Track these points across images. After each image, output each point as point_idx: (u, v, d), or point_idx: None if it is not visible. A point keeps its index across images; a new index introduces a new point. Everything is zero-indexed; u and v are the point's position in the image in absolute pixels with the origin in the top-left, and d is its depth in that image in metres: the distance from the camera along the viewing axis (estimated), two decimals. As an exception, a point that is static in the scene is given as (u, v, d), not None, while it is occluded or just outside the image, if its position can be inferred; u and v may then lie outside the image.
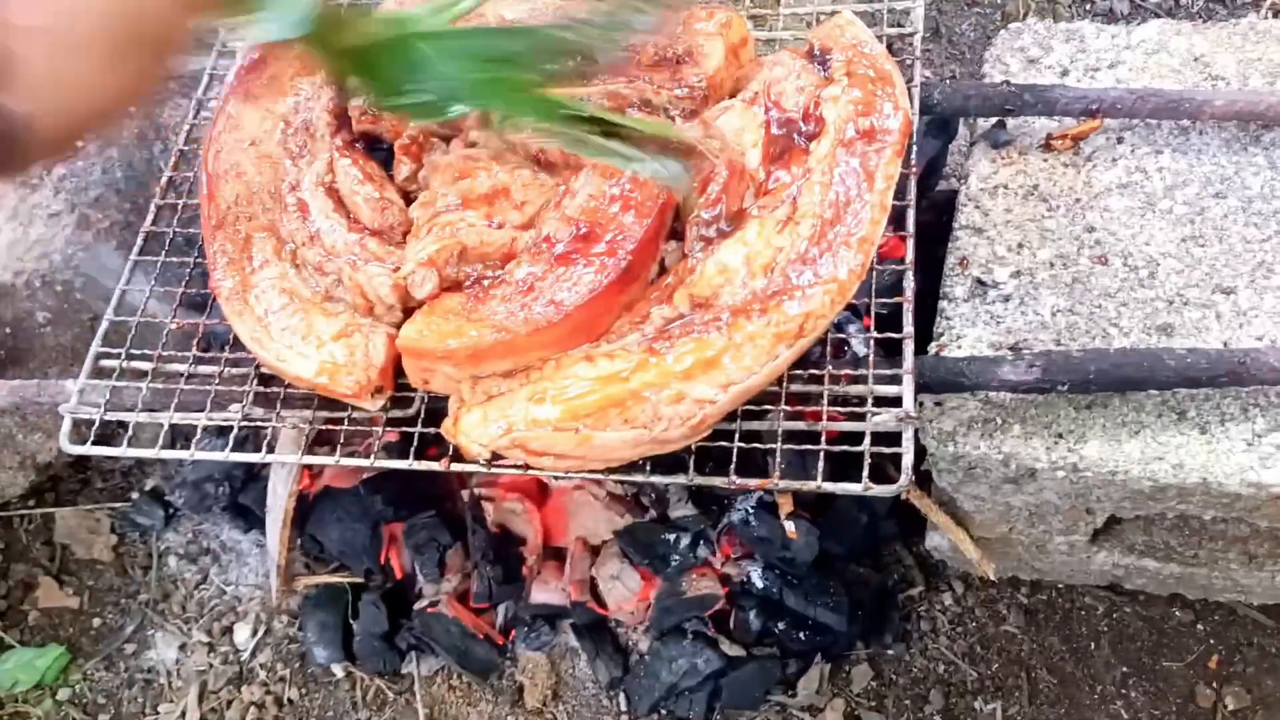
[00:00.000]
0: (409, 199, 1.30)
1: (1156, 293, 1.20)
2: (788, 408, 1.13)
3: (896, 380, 1.12)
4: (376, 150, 1.37)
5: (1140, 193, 1.27)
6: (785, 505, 1.38)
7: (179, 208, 1.40)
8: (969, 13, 1.90)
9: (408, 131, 1.31)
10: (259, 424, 1.24)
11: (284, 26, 0.94)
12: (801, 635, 1.40)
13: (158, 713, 1.57)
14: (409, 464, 1.18)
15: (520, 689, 1.50)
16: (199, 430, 1.23)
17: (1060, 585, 1.45)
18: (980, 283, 1.24)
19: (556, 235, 1.18)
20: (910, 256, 1.21)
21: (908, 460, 1.07)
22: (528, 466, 1.13)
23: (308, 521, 1.54)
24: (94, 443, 1.25)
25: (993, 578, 1.31)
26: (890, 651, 1.46)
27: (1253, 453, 1.09)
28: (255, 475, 1.56)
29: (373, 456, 1.20)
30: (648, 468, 1.12)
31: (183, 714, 1.56)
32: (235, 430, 1.23)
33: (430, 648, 1.48)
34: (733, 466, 1.11)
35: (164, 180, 1.43)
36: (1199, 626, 1.40)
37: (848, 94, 1.24)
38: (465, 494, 1.49)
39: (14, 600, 1.67)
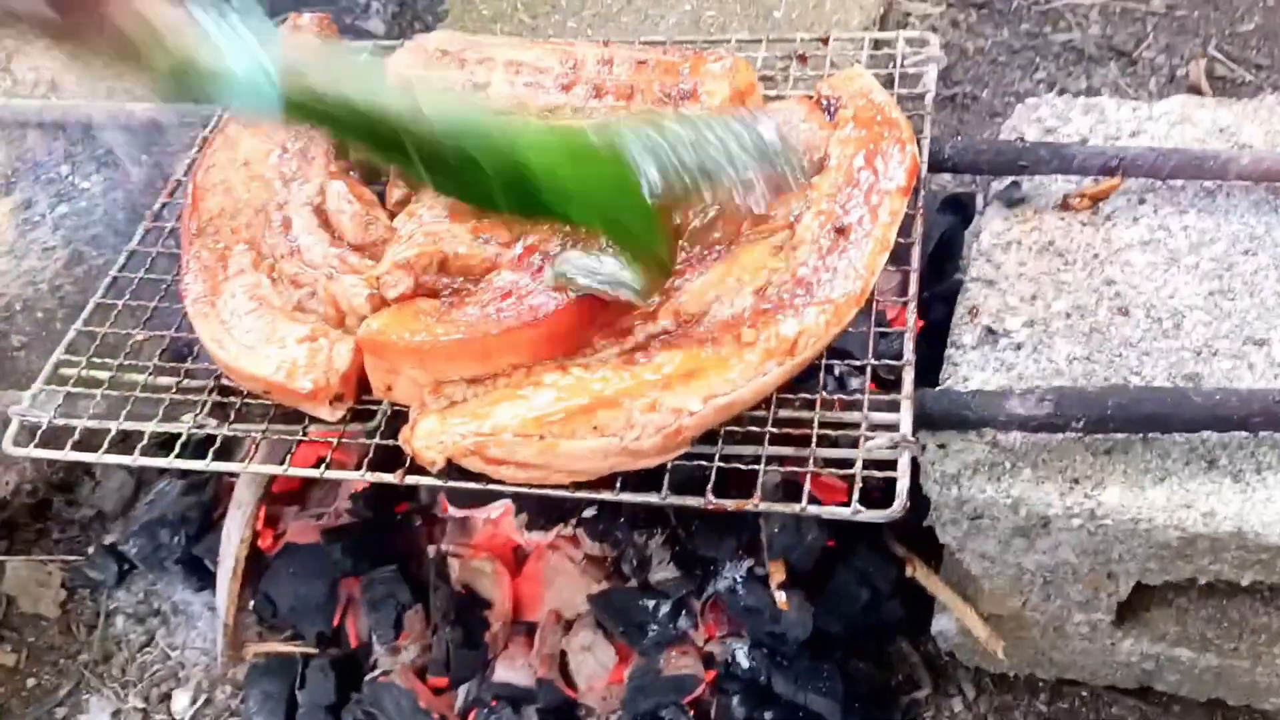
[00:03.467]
0: (398, 224, 1.26)
1: (1182, 343, 1.10)
2: (774, 430, 1.04)
3: (894, 407, 1.03)
4: (372, 186, 1.35)
5: (1164, 249, 1.20)
6: (777, 574, 1.26)
7: (165, 230, 1.38)
8: (991, 123, 1.89)
9: (403, 154, 1.28)
10: (209, 433, 1.17)
11: (255, 110, 0.94)
12: (790, 728, 1.25)
13: (77, 784, 1.42)
14: (361, 475, 1.09)
15: (475, 780, 1.34)
16: (145, 438, 1.15)
17: (1084, 694, 1.29)
18: (990, 331, 1.16)
19: (542, 247, 1.13)
20: (913, 291, 1.14)
21: (903, 484, 0.97)
22: (487, 479, 1.04)
23: (263, 578, 1.42)
24: (38, 446, 1.18)
25: (1002, 657, 1.16)
26: (891, 759, 1.29)
27: (1293, 503, 0.97)
28: (211, 524, 1.46)
29: (322, 467, 1.11)
30: (618, 484, 1.02)
31: (103, 786, 1.41)
32: (184, 438, 1.15)
33: (378, 723, 1.34)
34: (709, 486, 1.00)
35: (157, 205, 1.41)
36: (1243, 745, 1.23)
37: (855, 134, 1.21)
38: (431, 549, 1.38)
39: (-54, 655, 1.55)
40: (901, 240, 1.15)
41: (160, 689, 1.48)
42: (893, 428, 1.02)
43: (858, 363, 1.09)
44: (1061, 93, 1.85)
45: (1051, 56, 1.91)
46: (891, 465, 0.99)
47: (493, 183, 0.98)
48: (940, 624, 1.25)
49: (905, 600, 1.31)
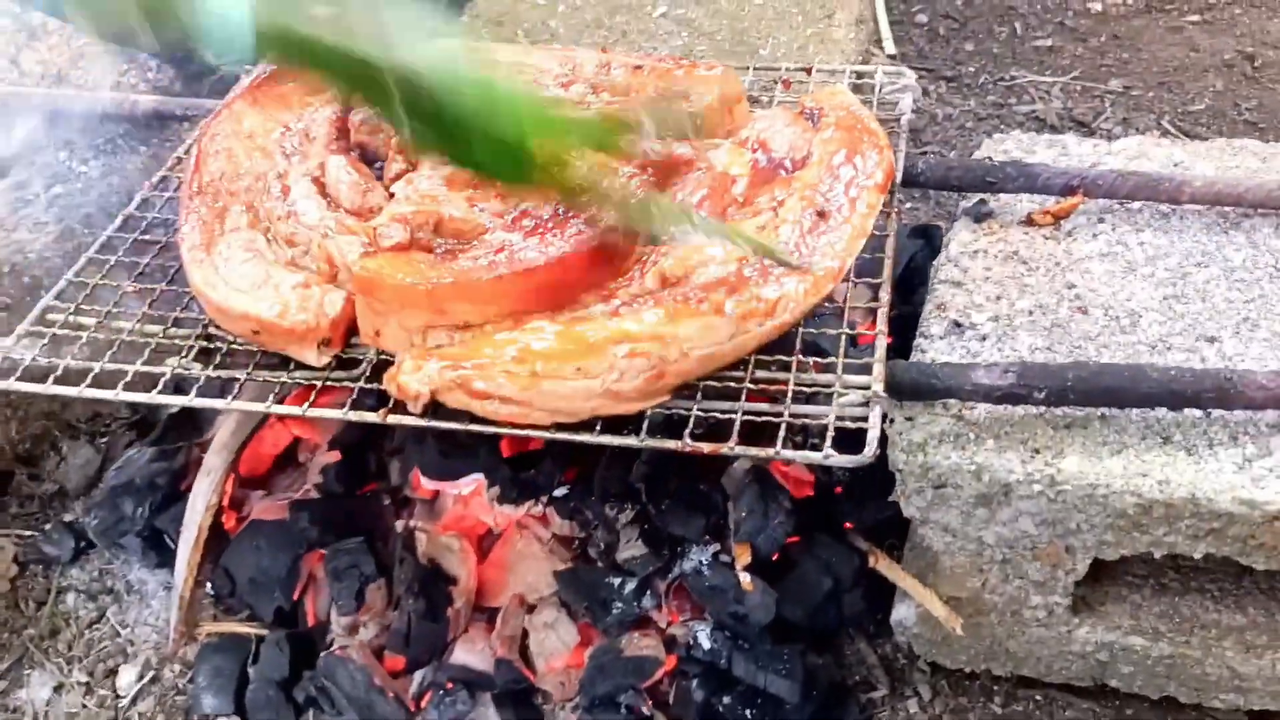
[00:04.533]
0: (394, 200, 1.30)
1: (1139, 338, 1.16)
2: (751, 386, 1.07)
3: (866, 370, 1.07)
4: (371, 167, 1.39)
5: (1121, 260, 1.27)
6: (742, 557, 1.28)
7: (163, 200, 1.41)
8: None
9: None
10: (190, 377, 1.18)
11: (228, 45, 0.96)
12: (749, 713, 1.24)
13: (10, 756, 1.38)
14: (344, 413, 1.11)
15: (425, 764, 1.31)
16: (129, 377, 1.16)
17: (1038, 697, 1.30)
18: (957, 324, 1.21)
19: (536, 212, 1.18)
20: (886, 274, 1.20)
21: (873, 434, 1.01)
22: (469, 418, 1.06)
23: (224, 553, 1.41)
24: (19, 379, 1.18)
25: (960, 633, 1.17)
26: (847, 756, 1.29)
27: (1244, 474, 1.02)
28: (177, 496, 1.45)
29: (305, 406, 1.12)
30: (598, 427, 1.05)
31: (37, 758, 1.37)
32: (167, 377, 1.17)
33: (330, 700, 1.31)
34: (688, 430, 1.03)
35: (156, 177, 1.45)
36: (1193, 747, 1.24)
37: (836, 135, 1.28)
38: (399, 524, 1.38)
39: (-114, 625, 1.51)
40: (878, 232, 1.22)
41: (106, 664, 1.45)
42: (865, 388, 1.06)
43: (832, 331, 1.14)
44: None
45: (1015, 124, 2.02)
46: (862, 425, 1.02)
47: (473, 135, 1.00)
48: (899, 613, 1.27)
49: (866, 597, 1.33)
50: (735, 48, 1.69)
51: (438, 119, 1.00)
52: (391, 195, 1.31)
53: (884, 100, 1.47)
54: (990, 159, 1.38)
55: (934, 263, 1.33)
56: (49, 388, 1.17)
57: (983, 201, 1.37)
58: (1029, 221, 1.34)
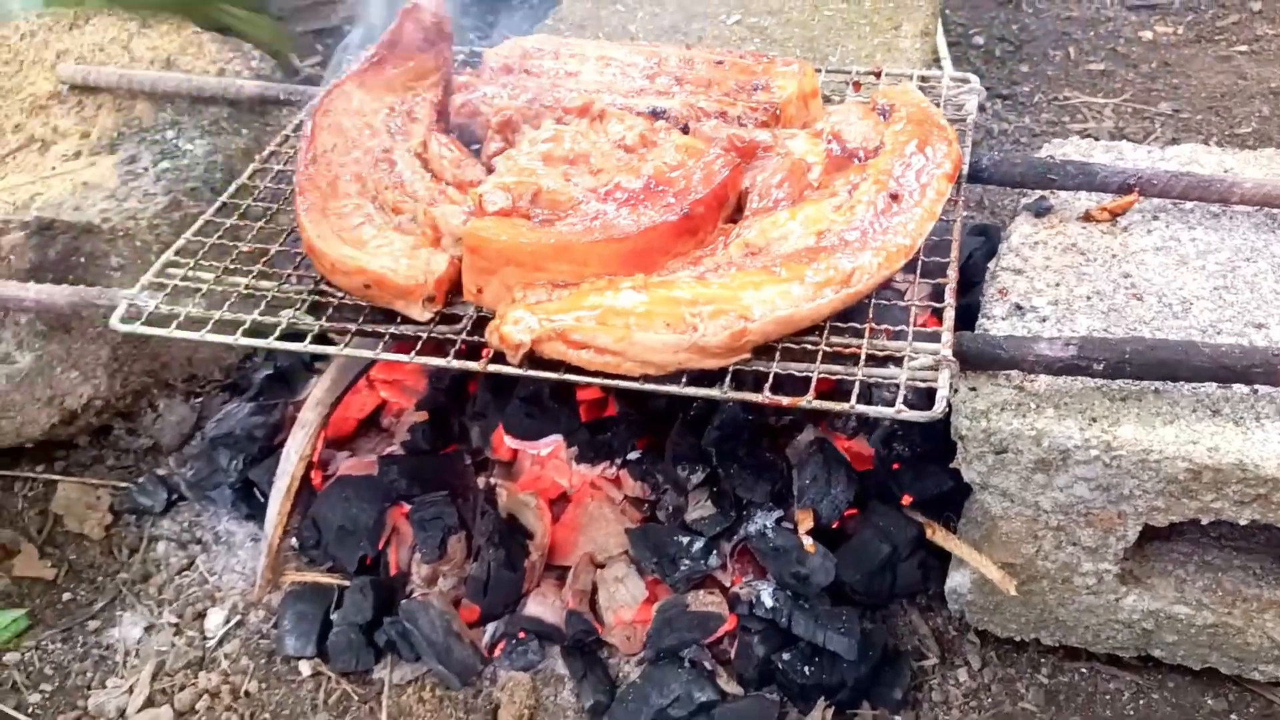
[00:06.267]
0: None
1: (1190, 323, 1.23)
2: (827, 349, 1.15)
3: (935, 338, 1.15)
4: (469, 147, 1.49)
5: (1174, 254, 1.34)
6: (805, 522, 1.35)
7: (273, 172, 1.52)
8: (1011, 191, 2.06)
9: (502, 112, 1.44)
10: (303, 328, 1.27)
11: None
12: (807, 670, 1.31)
13: (104, 687, 1.46)
14: (448, 361, 1.19)
15: (495, 709, 1.39)
16: (246, 325, 1.25)
17: (1084, 669, 1.36)
18: (1018, 307, 1.29)
19: (627, 185, 1.27)
20: (954, 254, 1.27)
21: (942, 393, 1.08)
22: (564, 368, 1.14)
23: (313, 504, 1.50)
24: (144, 324, 1.28)
25: (1014, 593, 1.24)
26: (898, 717, 1.35)
27: (1290, 445, 1.08)
28: (270, 449, 1.55)
29: (412, 354, 1.21)
30: (684, 380, 1.13)
31: (131, 690, 1.45)
32: (282, 326, 1.26)
33: (410, 645, 1.39)
34: (768, 385, 1.11)
35: (266, 151, 1.56)
36: (1232, 717, 1.29)
37: (907, 128, 1.36)
38: (480, 481, 1.46)
39: (-12, 564, 1.61)
40: (945, 219, 1.30)
41: (195, 608, 1.53)
42: (934, 354, 1.13)
43: (902, 303, 1.21)
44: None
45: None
46: (931, 385, 1.10)
47: None
48: (954, 581, 1.34)
49: (920, 567, 1.40)
50: (806, 54, 1.78)
51: None
52: (489, 170, 1.41)
53: (949, 102, 1.55)
54: (1052, 157, 1.45)
55: (997, 251, 1.40)
56: (173, 332, 1.27)
57: (1043, 197, 1.45)
58: (1087, 217, 1.42)
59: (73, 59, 1.91)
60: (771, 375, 1.12)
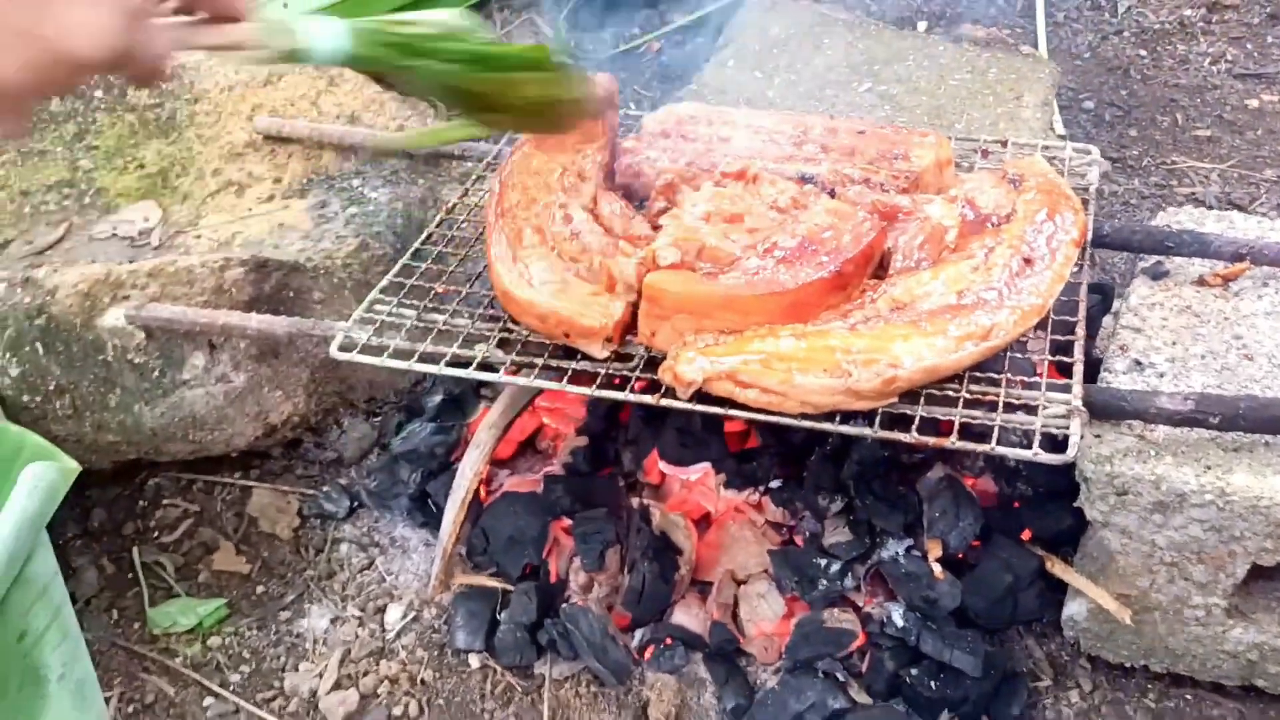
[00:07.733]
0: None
1: (1299, 383, 1.36)
2: (967, 395, 1.30)
3: (1066, 389, 1.29)
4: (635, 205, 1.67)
5: (1284, 319, 1.46)
6: (934, 550, 1.49)
7: (458, 221, 1.72)
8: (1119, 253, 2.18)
9: (664, 175, 1.61)
10: (495, 363, 1.45)
11: (325, 55, 1.02)
12: (933, 684, 1.45)
13: (297, 670, 1.66)
14: (625, 395, 1.36)
15: (645, 706, 1.55)
16: (447, 358, 1.44)
17: (1189, 695, 1.47)
18: (1138, 363, 1.42)
19: (784, 244, 1.43)
20: (1081, 313, 1.41)
21: (1075, 438, 1.22)
22: (728, 404, 1.31)
23: (482, 516, 1.69)
24: (360, 352, 1.48)
25: (1129, 622, 1.36)
26: (1014, 733, 1.48)
27: (1392, 497, 1.20)
28: (446, 465, 1.74)
29: (593, 387, 1.39)
30: (837, 419, 1.29)
31: (321, 674, 1.64)
32: (478, 359, 1.44)
33: (570, 644, 1.56)
34: (914, 426, 1.26)
35: (452, 201, 1.76)
36: (1334, 751, 1.40)
37: (1038, 196, 1.51)
38: (635, 501, 1.63)
39: (192, 558, 1.82)
40: (1073, 280, 1.44)
41: (375, 603, 1.73)
42: (1065, 403, 1.27)
43: (1034, 355, 1.36)
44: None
45: (1176, 204, 2.21)
46: (1064, 432, 1.24)
47: None
48: (1070, 609, 1.46)
49: (1038, 597, 1.53)
50: (933, 121, 1.94)
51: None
52: (654, 226, 1.58)
53: (1073, 171, 1.69)
54: (1168, 226, 1.59)
55: (1115, 309, 1.54)
56: (384, 361, 1.46)
57: (1160, 262, 1.58)
58: (1200, 282, 1.54)
59: (266, 111, 2.15)
60: (918, 418, 1.27)
